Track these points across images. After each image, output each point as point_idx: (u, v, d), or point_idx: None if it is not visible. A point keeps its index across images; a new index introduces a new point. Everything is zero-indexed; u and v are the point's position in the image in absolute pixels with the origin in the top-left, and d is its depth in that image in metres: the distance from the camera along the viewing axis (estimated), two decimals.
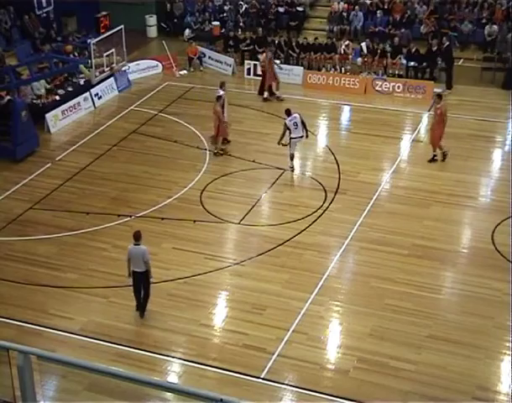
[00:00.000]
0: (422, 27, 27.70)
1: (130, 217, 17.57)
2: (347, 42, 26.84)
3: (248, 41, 28.08)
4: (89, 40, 22.33)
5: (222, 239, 16.96)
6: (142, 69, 27.21)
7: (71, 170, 20.04)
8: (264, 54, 24.90)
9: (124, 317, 14.13)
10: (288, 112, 19.50)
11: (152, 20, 31.08)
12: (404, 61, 25.89)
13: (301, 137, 19.42)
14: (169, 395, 8.85)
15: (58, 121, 22.86)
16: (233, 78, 26.54)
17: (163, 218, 17.51)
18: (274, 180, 19.20)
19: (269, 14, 29.62)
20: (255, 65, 26.60)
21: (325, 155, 20.82)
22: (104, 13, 22.92)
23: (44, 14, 28.18)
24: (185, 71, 27.56)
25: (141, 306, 14.08)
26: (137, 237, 13.64)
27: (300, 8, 29.74)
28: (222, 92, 20.97)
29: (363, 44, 26.63)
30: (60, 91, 23.89)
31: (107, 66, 21.68)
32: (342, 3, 29.23)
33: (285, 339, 13.39)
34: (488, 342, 13.35)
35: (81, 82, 24.39)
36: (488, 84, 25.33)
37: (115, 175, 19.76)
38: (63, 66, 24.00)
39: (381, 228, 16.86)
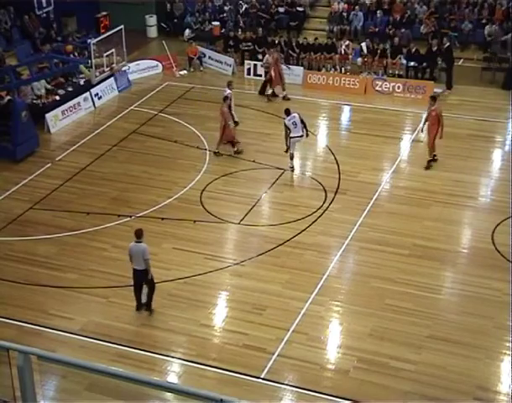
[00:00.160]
0: (422, 27, 27.68)
1: (130, 217, 17.57)
2: (347, 42, 26.82)
3: (248, 43, 28.05)
4: (89, 40, 22.30)
5: (222, 239, 16.96)
6: (142, 69, 27.21)
7: (71, 170, 20.04)
8: (269, 55, 24.86)
9: (124, 317, 14.14)
10: (287, 112, 19.53)
11: (152, 20, 31.06)
12: (404, 61, 25.87)
13: (301, 136, 19.41)
14: (169, 395, 8.80)
15: (58, 121, 22.85)
16: (233, 78, 26.43)
17: (163, 218, 17.51)
18: (274, 180, 19.20)
19: (270, 14, 29.62)
20: (255, 65, 26.61)
21: (325, 155, 20.82)
22: (104, 13, 22.85)
23: (44, 14, 28.14)
24: (185, 71, 27.56)
25: (146, 303, 14.08)
26: (138, 234, 13.69)
27: (300, 8, 29.74)
28: (228, 92, 20.93)
29: (363, 44, 26.62)
30: (60, 91, 23.90)
31: (107, 66, 21.65)
32: (342, 3, 29.23)
33: (285, 339, 13.39)
34: (488, 342, 13.34)
35: (81, 82, 24.39)
36: (488, 84, 25.31)
37: (115, 175, 19.76)
38: (63, 66, 24.00)
39: (381, 228, 16.86)
